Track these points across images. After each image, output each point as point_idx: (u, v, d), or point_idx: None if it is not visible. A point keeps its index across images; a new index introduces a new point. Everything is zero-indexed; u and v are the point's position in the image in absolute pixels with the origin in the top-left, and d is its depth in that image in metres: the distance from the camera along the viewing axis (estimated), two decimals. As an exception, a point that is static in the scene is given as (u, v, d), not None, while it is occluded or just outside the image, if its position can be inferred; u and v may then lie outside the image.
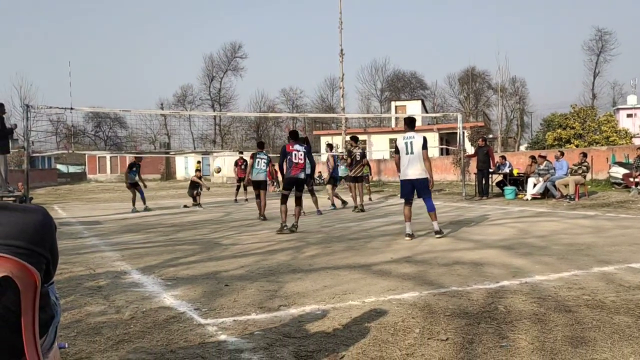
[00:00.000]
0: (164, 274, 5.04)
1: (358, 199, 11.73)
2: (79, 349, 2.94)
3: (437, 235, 6.89)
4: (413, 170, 6.88)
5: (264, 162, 10.25)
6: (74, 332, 3.25)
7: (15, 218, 1.47)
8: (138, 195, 13.63)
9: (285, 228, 7.58)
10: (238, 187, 17.15)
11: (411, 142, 6.88)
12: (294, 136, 8.04)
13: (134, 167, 13.88)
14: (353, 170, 11.79)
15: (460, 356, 2.71)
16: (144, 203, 13.73)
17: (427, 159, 6.94)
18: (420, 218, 10.01)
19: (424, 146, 6.90)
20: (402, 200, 7.27)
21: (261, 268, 5.20)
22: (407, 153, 6.88)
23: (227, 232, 8.15)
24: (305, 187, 10.85)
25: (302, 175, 7.63)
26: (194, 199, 14.71)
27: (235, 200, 16.71)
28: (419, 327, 3.19)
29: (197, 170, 16.01)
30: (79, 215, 12.48)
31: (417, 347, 2.86)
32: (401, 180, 7.11)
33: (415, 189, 7.06)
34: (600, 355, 2.67)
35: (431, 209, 7.01)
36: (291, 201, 8.20)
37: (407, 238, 6.86)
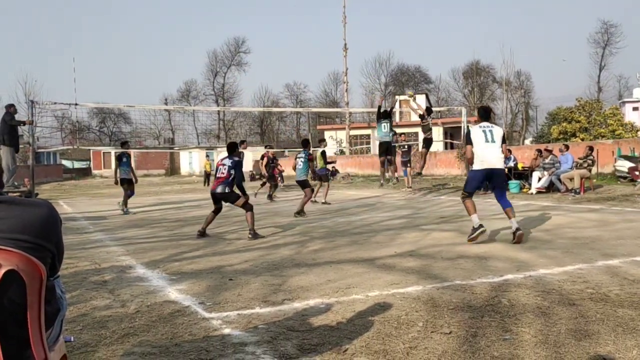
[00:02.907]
0: (168, 268, 5.07)
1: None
2: (85, 342, 2.96)
3: (519, 232, 5.94)
4: (492, 158, 6.11)
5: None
6: (80, 325, 3.28)
7: (22, 212, 1.48)
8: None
9: (199, 234, 7.18)
10: (263, 183, 15.96)
11: (490, 131, 6.19)
12: (228, 149, 7.45)
13: (124, 158, 11.69)
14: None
15: (464, 349, 2.72)
16: (126, 205, 11.56)
17: (505, 155, 6.35)
18: (424, 212, 10.00)
19: (504, 139, 6.33)
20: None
21: (265, 262, 5.22)
22: (486, 141, 6.12)
23: (231, 227, 8.19)
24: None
25: (218, 190, 7.12)
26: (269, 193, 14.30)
27: (270, 196, 14.81)
28: (423, 321, 3.20)
29: (268, 158, 14.64)
30: (84, 210, 12.53)
31: (420, 340, 2.87)
32: (474, 171, 6.27)
33: (491, 181, 6.40)
34: (604, 348, 2.68)
35: (508, 205, 6.22)
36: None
37: (481, 229, 6.02)
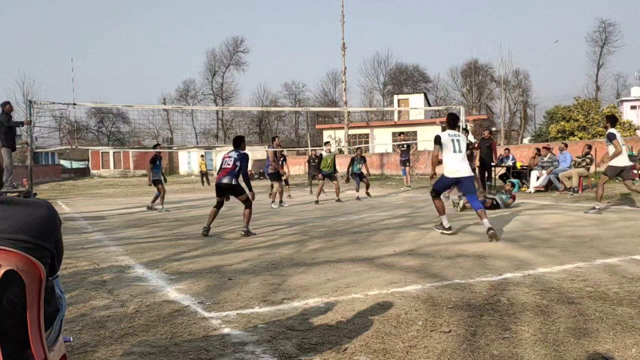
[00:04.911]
0: (167, 268, 5.06)
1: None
2: (84, 342, 2.96)
3: (491, 231, 6.11)
4: (464, 169, 6.62)
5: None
6: (79, 325, 3.27)
7: (21, 212, 1.48)
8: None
9: (204, 231, 7.23)
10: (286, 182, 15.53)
11: (458, 140, 6.62)
12: (234, 143, 7.60)
13: (158, 161, 12.08)
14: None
15: (463, 348, 2.72)
16: (155, 202, 12.06)
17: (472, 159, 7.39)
18: (423, 211, 10.01)
19: (468, 147, 7.03)
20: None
21: (264, 262, 5.22)
22: (454, 151, 6.58)
23: (230, 227, 8.18)
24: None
25: (224, 180, 7.23)
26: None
27: (287, 195, 14.60)
28: (422, 320, 3.20)
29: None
30: (83, 210, 12.52)
31: (420, 339, 2.87)
32: (446, 177, 6.67)
33: (461, 187, 6.94)
34: (603, 346, 2.68)
35: (480, 207, 6.48)
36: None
37: (449, 232, 6.65)
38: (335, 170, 13.40)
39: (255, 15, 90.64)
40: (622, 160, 8.47)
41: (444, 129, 6.90)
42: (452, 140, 6.60)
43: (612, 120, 8.80)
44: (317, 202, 12.50)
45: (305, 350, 2.74)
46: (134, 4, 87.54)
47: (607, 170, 8.64)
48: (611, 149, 8.51)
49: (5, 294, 1.39)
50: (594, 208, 8.61)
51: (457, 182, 6.77)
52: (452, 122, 6.84)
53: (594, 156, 14.09)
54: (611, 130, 8.53)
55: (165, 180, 12.42)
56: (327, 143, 14.79)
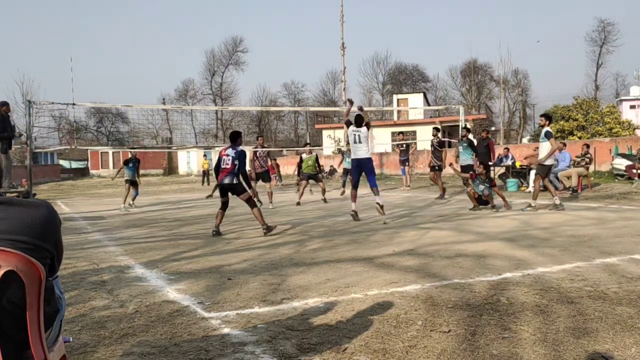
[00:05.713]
0: (167, 268, 5.06)
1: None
2: (84, 342, 2.96)
3: (379, 205, 8.20)
4: (358, 153, 8.45)
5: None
6: (79, 326, 3.27)
7: (20, 213, 1.48)
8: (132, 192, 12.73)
9: (214, 233, 7.22)
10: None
11: (358, 135, 8.41)
12: (231, 138, 7.58)
13: (131, 163, 12.85)
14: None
15: (463, 348, 2.72)
16: (133, 200, 12.87)
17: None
18: (422, 211, 10.01)
19: (367, 128, 8.61)
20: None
21: (264, 262, 5.22)
22: (354, 142, 8.48)
23: (230, 227, 8.17)
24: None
25: (226, 180, 7.20)
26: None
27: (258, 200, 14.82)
28: (422, 319, 3.20)
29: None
30: (82, 210, 12.51)
31: (419, 339, 2.88)
32: (350, 161, 8.75)
33: (363, 169, 8.49)
34: (603, 346, 2.68)
35: (374, 185, 8.46)
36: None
37: (352, 214, 8.46)
38: (318, 171, 13.52)
39: (254, 15, 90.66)
40: (552, 160, 9.10)
41: (349, 124, 8.64)
42: (354, 135, 8.45)
43: (550, 118, 9.37)
44: (298, 203, 12.27)
45: (305, 350, 2.74)
46: (134, 4, 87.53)
47: (539, 170, 9.10)
48: (545, 147, 8.88)
49: (5, 295, 1.39)
50: (529, 206, 9.03)
51: (358, 164, 8.45)
52: (356, 121, 8.48)
53: (593, 156, 14.11)
54: (548, 128, 8.98)
55: (139, 181, 13.15)
56: (306, 144, 14.93)
